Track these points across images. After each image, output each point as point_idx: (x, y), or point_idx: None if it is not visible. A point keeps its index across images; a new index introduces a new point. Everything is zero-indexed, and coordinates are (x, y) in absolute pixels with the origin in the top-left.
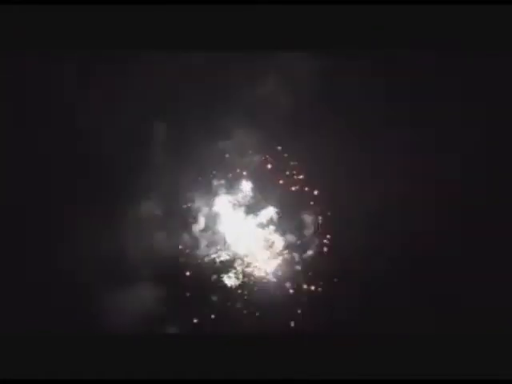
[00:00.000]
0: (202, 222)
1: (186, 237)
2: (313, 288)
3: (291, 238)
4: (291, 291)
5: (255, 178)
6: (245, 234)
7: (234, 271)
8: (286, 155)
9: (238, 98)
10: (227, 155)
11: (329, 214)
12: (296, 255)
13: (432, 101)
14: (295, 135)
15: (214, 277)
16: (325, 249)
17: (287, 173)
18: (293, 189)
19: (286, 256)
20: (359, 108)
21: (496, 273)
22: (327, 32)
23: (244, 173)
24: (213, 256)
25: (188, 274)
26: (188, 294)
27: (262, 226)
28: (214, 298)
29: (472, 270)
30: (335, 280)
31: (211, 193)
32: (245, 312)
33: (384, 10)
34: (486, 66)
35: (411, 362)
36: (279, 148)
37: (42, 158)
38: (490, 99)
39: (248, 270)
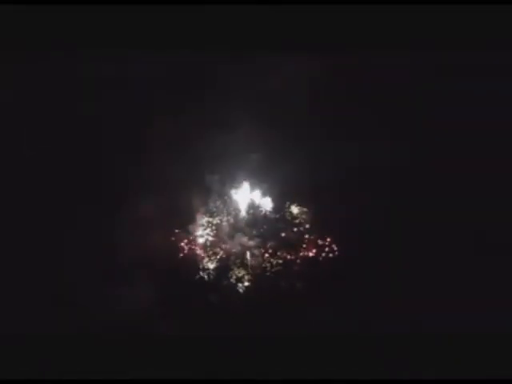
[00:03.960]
0: (200, 221)
1: (184, 236)
2: (312, 288)
3: (289, 236)
4: (290, 291)
5: (254, 176)
6: (242, 231)
7: (231, 270)
8: (284, 154)
9: (237, 97)
10: (226, 153)
11: (327, 214)
12: (293, 256)
13: None
14: (294, 135)
15: (213, 276)
16: (322, 250)
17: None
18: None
19: (283, 256)
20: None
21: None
22: (326, 32)
23: (242, 170)
24: (211, 254)
25: (186, 273)
26: (186, 294)
27: (260, 224)
28: (213, 298)
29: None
30: (334, 280)
31: (210, 191)
32: (243, 312)
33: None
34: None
35: (411, 362)
36: (277, 146)
37: (41, 157)
38: None
39: (246, 269)
